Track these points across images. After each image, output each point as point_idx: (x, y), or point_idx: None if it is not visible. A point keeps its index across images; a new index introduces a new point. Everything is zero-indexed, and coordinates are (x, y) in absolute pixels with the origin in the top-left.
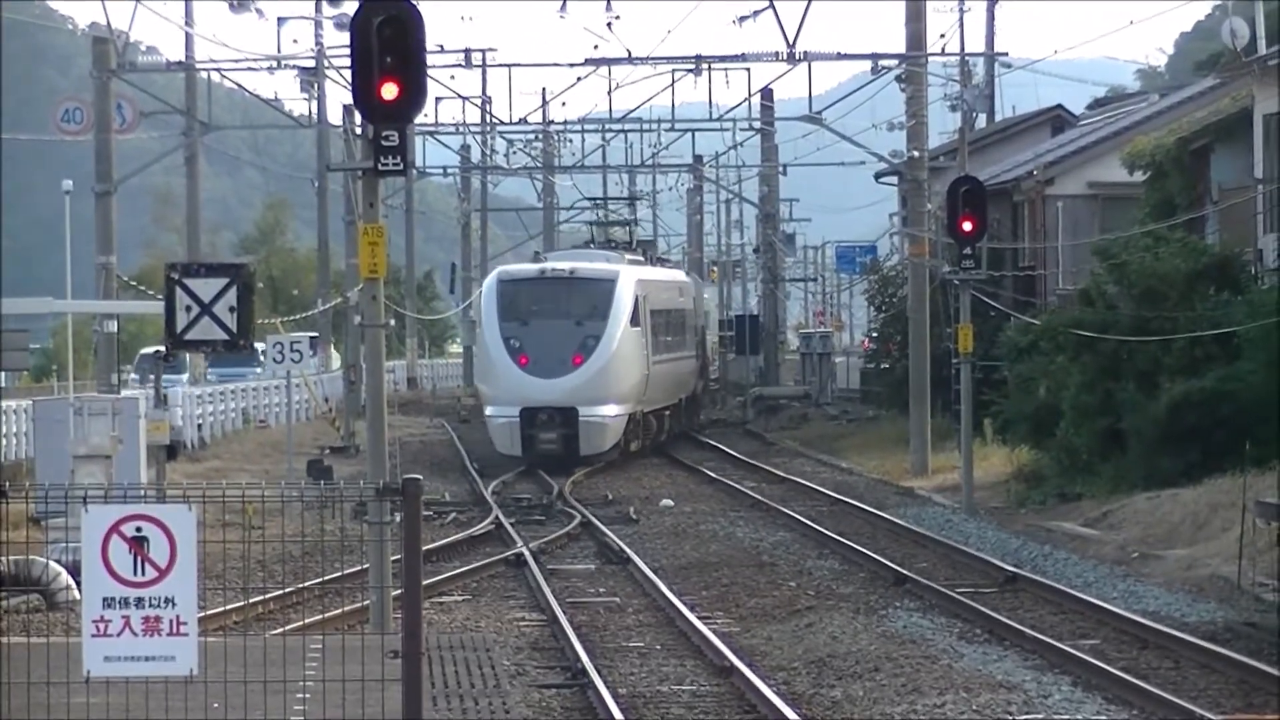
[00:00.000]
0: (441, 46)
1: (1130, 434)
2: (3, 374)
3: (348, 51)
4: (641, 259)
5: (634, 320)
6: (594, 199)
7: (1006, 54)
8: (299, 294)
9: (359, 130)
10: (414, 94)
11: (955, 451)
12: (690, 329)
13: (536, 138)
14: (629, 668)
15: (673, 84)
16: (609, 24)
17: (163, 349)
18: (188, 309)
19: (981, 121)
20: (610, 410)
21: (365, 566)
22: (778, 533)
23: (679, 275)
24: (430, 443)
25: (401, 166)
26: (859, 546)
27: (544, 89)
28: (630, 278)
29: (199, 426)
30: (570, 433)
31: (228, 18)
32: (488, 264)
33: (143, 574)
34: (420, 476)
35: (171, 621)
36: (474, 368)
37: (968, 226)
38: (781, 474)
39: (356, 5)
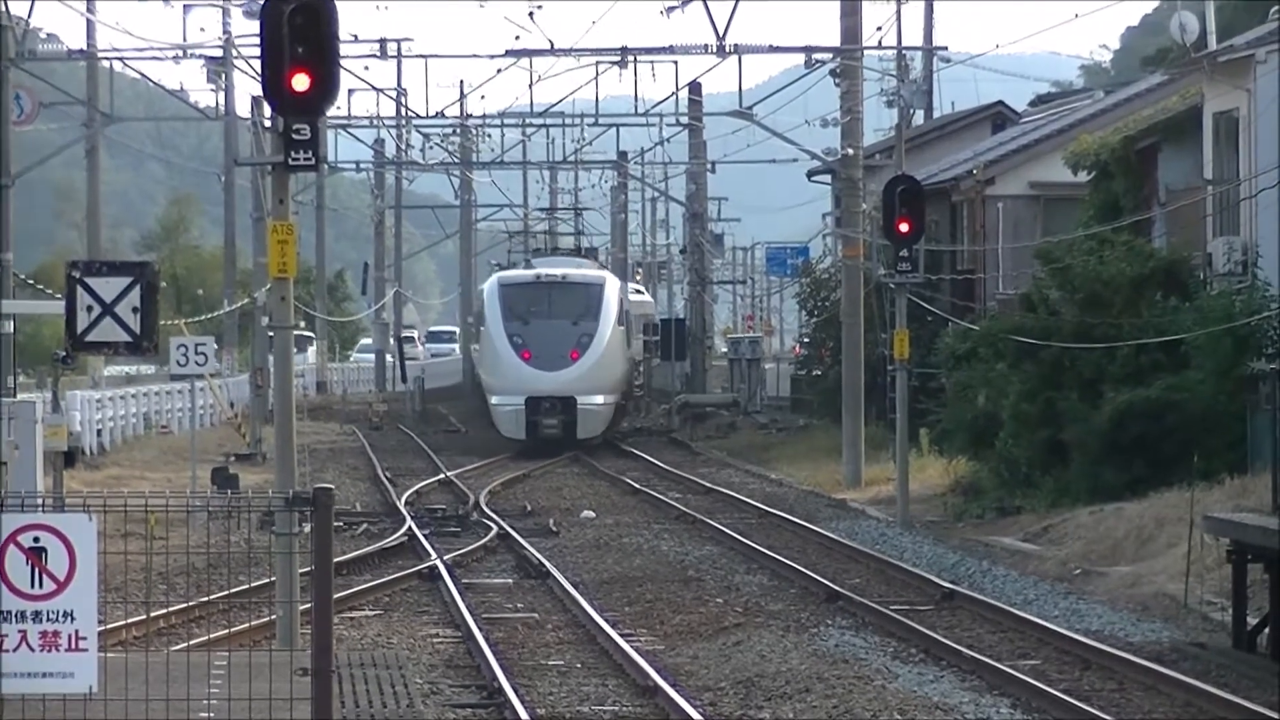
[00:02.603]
0: (355, 36)
1: (1073, 445)
2: None
3: (257, 40)
4: (598, 265)
5: (620, 320)
6: (544, 209)
7: (945, 48)
8: (204, 294)
9: (268, 123)
10: (326, 85)
11: (890, 462)
12: (643, 331)
13: (454, 132)
14: (548, 687)
15: (597, 77)
16: (530, 14)
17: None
18: (89, 309)
19: (919, 118)
20: (603, 399)
21: (272, 579)
22: (704, 546)
23: (635, 284)
24: (340, 450)
25: (313, 161)
26: (789, 561)
27: (462, 81)
28: (615, 283)
29: (98, 432)
30: (570, 419)
31: (131, 4)
32: (401, 263)
33: (40, 586)
34: (331, 486)
35: (70, 636)
36: (478, 361)
37: (904, 228)
38: (708, 485)
39: None
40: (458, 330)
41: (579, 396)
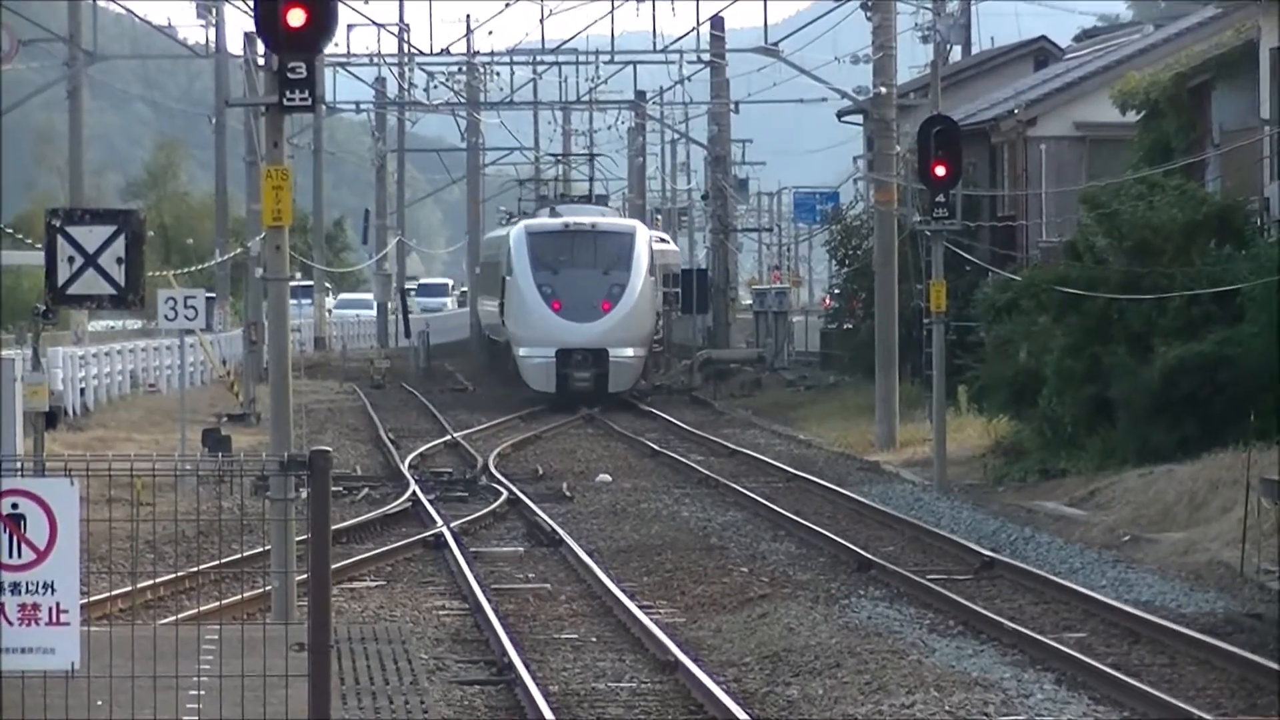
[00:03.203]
0: None
1: (1120, 403)
2: None
3: None
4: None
5: (650, 270)
6: (553, 155)
7: None
8: (194, 244)
9: (262, 61)
10: (323, 21)
11: (926, 422)
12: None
13: (460, 70)
14: (561, 663)
15: (613, 11)
16: None
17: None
18: (70, 260)
19: (956, 54)
20: (634, 351)
21: (267, 548)
22: (728, 512)
23: (660, 233)
24: (340, 410)
25: (309, 101)
26: (818, 528)
27: (469, 16)
28: (645, 232)
29: (81, 391)
30: (601, 371)
31: None
32: (404, 211)
33: (19, 556)
34: (329, 448)
35: (51, 609)
36: (504, 312)
37: (941, 171)
38: (732, 446)
39: None
40: (450, 283)
41: (611, 349)
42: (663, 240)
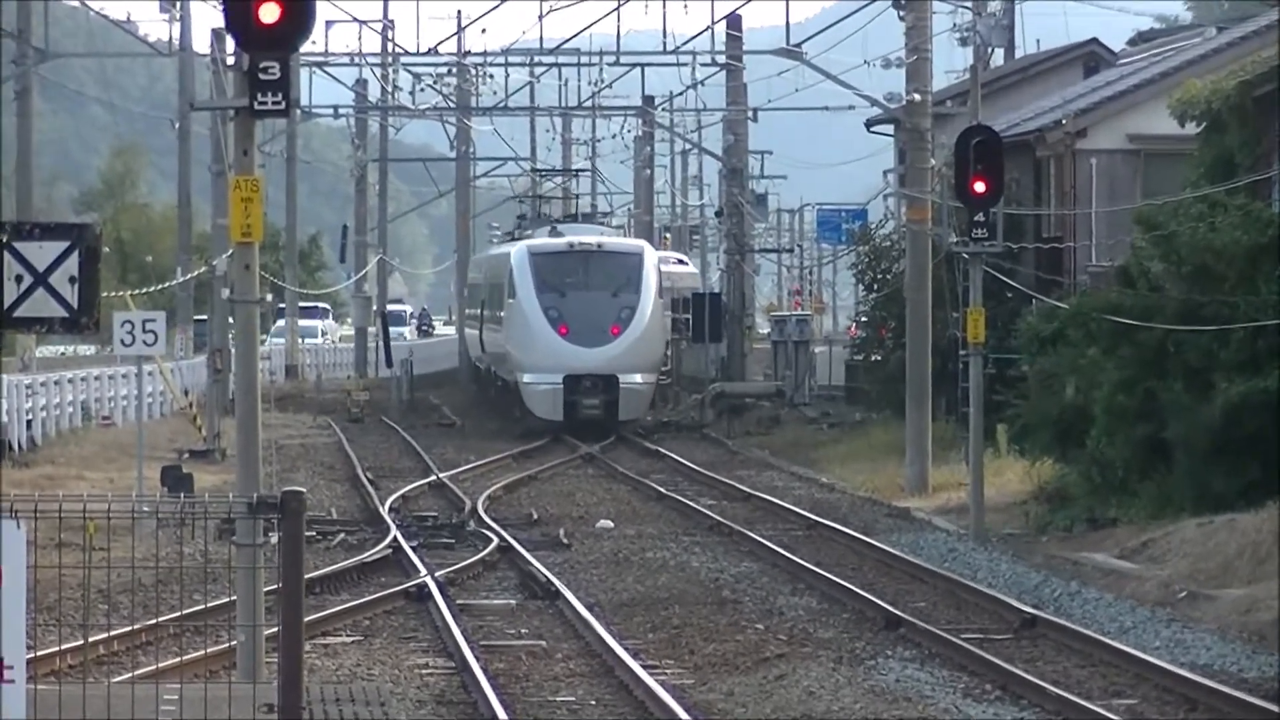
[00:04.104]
0: None
1: (1177, 445)
2: None
3: None
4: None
5: (660, 293)
6: (539, 170)
7: None
8: (153, 261)
9: (231, 60)
10: (299, 16)
11: (961, 464)
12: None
13: (449, 72)
14: None
15: (618, 8)
16: None
17: None
18: (18, 279)
19: (998, 58)
20: (645, 377)
21: (233, 599)
22: (742, 563)
23: (675, 253)
24: (314, 446)
25: (283, 105)
26: (842, 580)
27: (459, 12)
28: (653, 253)
29: (28, 423)
30: (611, 399)
31: None
32: (386, 226)
33: None
34: (302, 489)
35: None
36: (507, 336)
37: (980, 187)
38: (747, 489)
39: None
40: (408, 310)
41: (621, 375)
42: (681, 262)
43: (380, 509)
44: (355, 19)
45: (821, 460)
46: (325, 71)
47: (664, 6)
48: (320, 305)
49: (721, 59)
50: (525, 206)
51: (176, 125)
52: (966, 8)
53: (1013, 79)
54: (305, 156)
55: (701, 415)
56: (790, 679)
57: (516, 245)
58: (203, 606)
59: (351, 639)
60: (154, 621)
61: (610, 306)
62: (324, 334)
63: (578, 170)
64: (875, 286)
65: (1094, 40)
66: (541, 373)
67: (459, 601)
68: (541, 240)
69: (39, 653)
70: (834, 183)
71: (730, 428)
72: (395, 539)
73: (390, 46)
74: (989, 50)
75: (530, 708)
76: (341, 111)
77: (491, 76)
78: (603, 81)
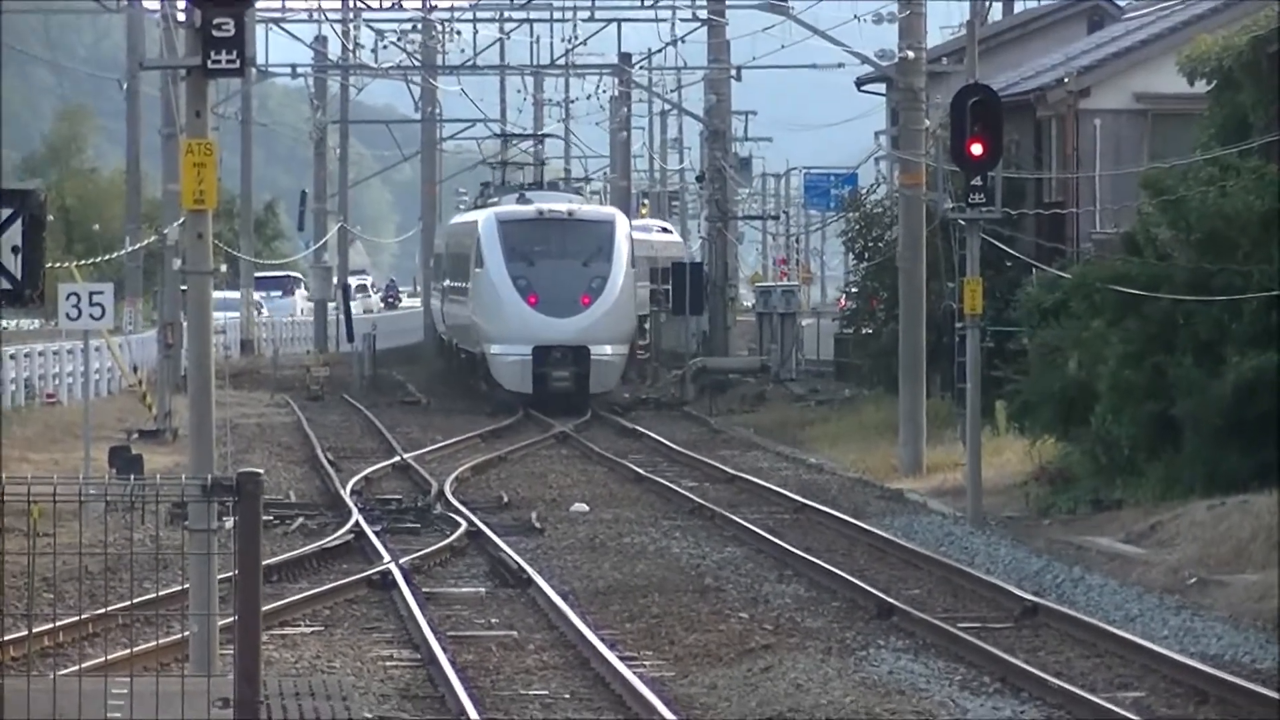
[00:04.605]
0: None
1: (1186, 423)
2: None
3: None
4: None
5: (632, 262)
6: (501, 135)
7: None
8: (101, 230)
9: (182, 16)
10: None
11: (958, 443)
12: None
13: (414, 28)
14: None
15: None
16: None
17: None
18: None
19: (997, 12)
20: (616, 349)
21: (185, 587)
22: (725, 548)
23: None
24: (271, 426)
25: (238, 64)
26: (831, 567)
27: None
28: (624, 221)
29: None
30: (582, 371)
31: None
32: (347, 192)
33: None
34: (259, 470)
35: None
36: (474, 306)
37: (977, 150)
38: (730, 470)
39: None
40: (368, 281)
41: (592, 346)
42: (665, 230)
43: (341, 492)
44: None
45: (809, 440)
46: (282, 28)
47: None
48: (291, 274)
49: (703, 14)
50: (496, 172)
51: (125, 86)
52: None
53: (1012, 35)
54: (261, 119)
55: (682, 392)
56: (777, 671)
57: (484, 213)
58: (154, 595)
59: (311, 629)
60: (102, 611)
61: (581, 276)
62: (300, 310)
63: (547, 134)
64: (866, 255)
65: None
66: (510, 344)
67: (425, 590)
68: (510, 208)
69: None
70: (822, 145)
71: (713, 405)
72: (357, 523)
73: (351, 1)
74: (987, 4)
75: (501, 702)
76: (300, 71)
77: (459, 33)
78: (577, 38)
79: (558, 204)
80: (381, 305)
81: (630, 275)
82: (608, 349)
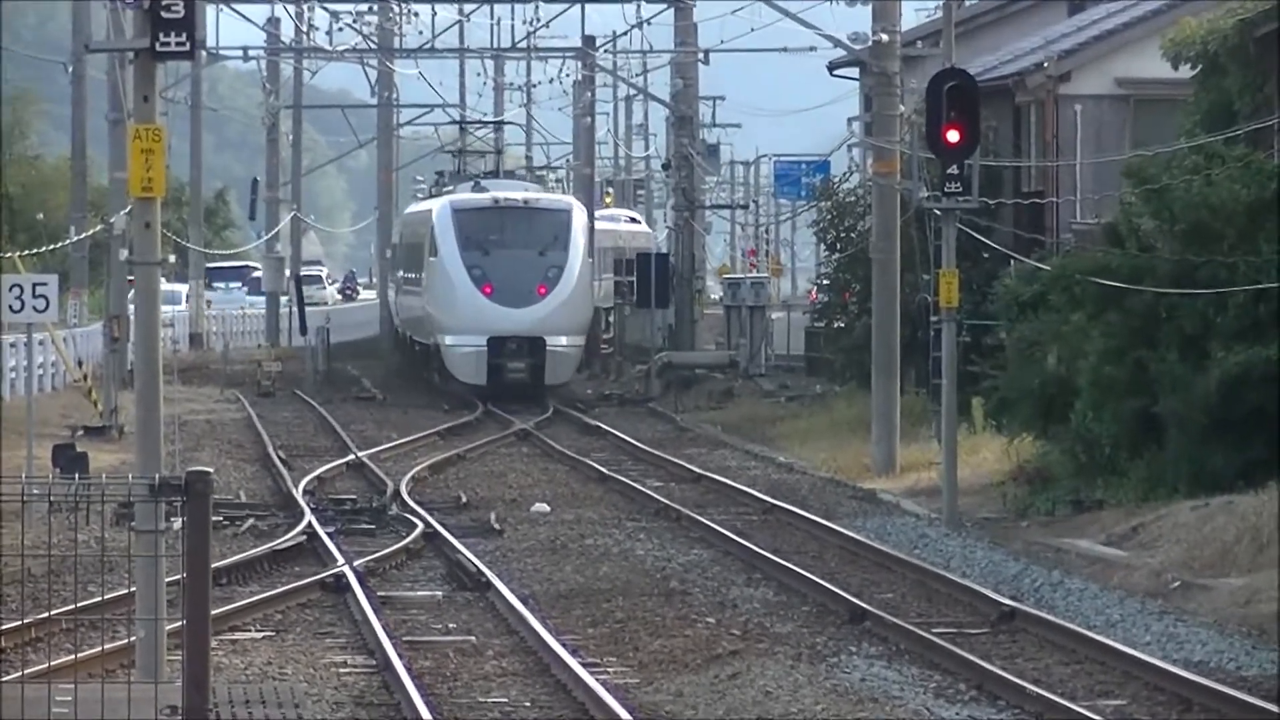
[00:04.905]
0: None
1: (1170, 420)
2: None
3: None
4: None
5: (589, 252)
6: (460, 121)
7: None
8: (45, 219)
9: None
10: None
11: (933, 442)
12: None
13: (370, 10)
14: None
15: None
16: None
17: None
18: None
19: None
20: (573, 340)
21: (132, 590)
22: (691, 550)
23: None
24: (221, 423)
25: (188, 46)
26: (801, 570)
27: None
28: (581, 210)
29: None
30: (537, 362)
31: None
32: (300, 180)
33: None
34: (208, 469)
35: None
36: (428, 296)
37: (954, 137)
38: (697, 470)
39: None
40: (324, 272)
41: (548, 337)
42: (633, 220)
43: (294, 491)
44: None
45: (779, 437)
46: (233, 9)
47: None
48: (250, 264)
49: None
50: (456, 160)
51: (70, 69)
52: None
53: (990, 17)
54: (211, 103)
55: (647, 388)
56: (745, 678)
57: (438, 201)
58: (99, 599)
59: (262, 634)
60: (45, 615)
61: (537, 265)
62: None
63: (506, 121)
64: (838, 246)
65: None
66: (464, 334)
67: (380, 593)
68: (465, 196)
69: None
70: (793, 132)
71: (679, 402)
72: (310, 524)
73: None
74: None
75: (459, 710)
76: (251, 53)
77: (416, 15)
78: (538, 20)
79: (514, 192)
80: (339, 297)
81: (588, 265)
82: (564, 340)
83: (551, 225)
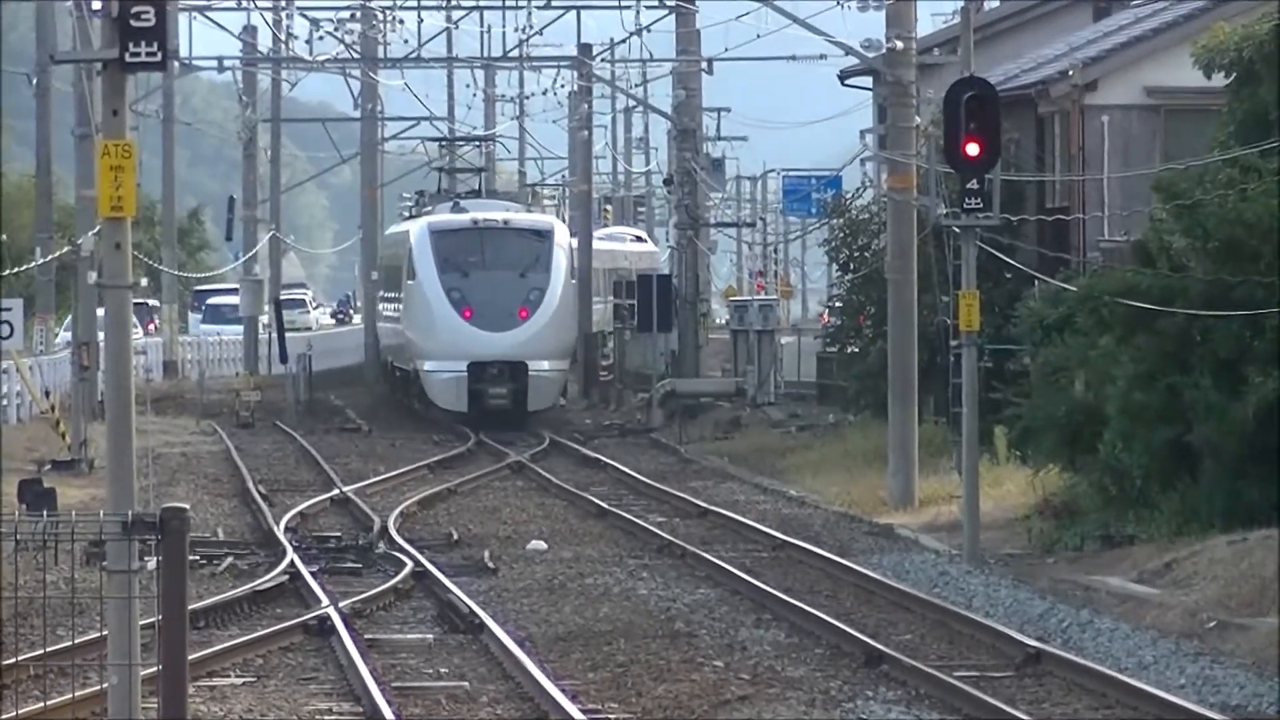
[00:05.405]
0: None
1: (1205, 450)
2: None
3: None
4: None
5: (571, 274)
6: (439, 139)
7: None
8: (9, 240)
9: (98, 5)
10: None
11: (953, 473)
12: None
13: (353, 17)
14: None
15: None
16: None
17: None
18: None
19: None
20: (556, 364)
21: (104, 634)
22: (697, 589)
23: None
24: (197, 456)
25: (159, 57)
26: (814, 610)
27: None
28: (564, 230)
29: None
30: (519, 387)
31: None
32: (279, 198)
33: None
34: (185, 505)
35: None
36: (406, 321)
37: (973, 150)
38: (703, 504)
39: None
40: (307, 295)
41: (530, 361)
42: (639, 239)
43: (275, 529)
44: None
45: (789, 470)
46: (207, 17)
47: None
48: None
49: (671, 1)
50: (445, 178)
51: (34, 81)
52: None
53: (1011, 23)
54: (185, 117)
55: (649, 418)
56: None
57: (417, 223)
58: (69, 643)
59: (243, 680)
60: (12, 661)
61: (518, 288)
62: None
63: (494, 136)
64: (851, 266)
65: None
66: (444, 359)
67: (367, 636)
68: (443, 217)
69: None
70: (802, 145)
71: (683, 432)
72: (292, 563)
73: None
74: None
75: None
76: (227, 64)
77: (402, 22)
78: (531, 27)
79: (493, 212)
80: (332, 321)
81: (571, 287)
82: (545, 364)
83: (532, 246)
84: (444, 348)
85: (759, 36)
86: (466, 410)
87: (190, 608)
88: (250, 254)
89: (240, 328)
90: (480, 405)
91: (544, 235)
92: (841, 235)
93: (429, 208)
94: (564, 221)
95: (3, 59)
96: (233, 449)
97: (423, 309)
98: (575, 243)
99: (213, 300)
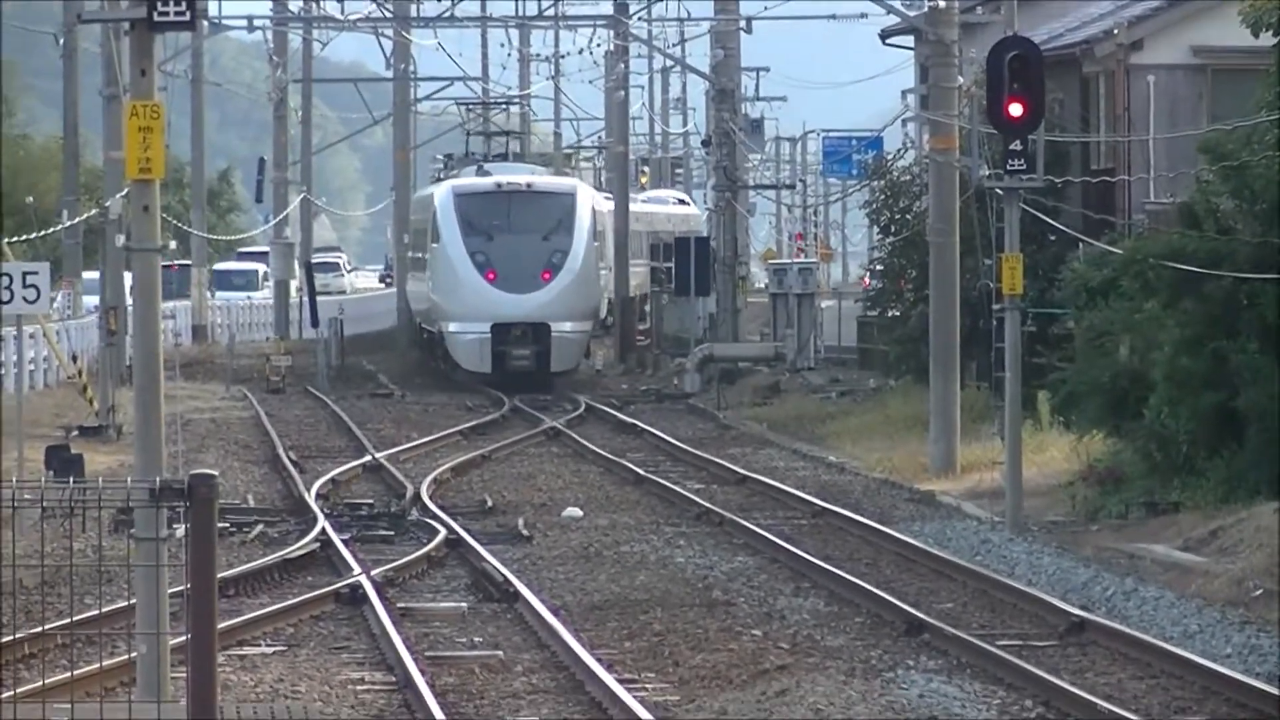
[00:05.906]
0: None
1: (1252, 416)
2: None
3: None
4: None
5: (594, 235)
6: (467, 101)
7: None
8: (35, 202)
9: None
10: None
11: (996, 439)
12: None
13: None
14: None
15: None
16: None
17: None
18: None
19: None
20: (579, 326)
21: (132, 603)
22: (735, 557)
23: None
24: (226, 422)
25: (188, 16)
26: (854, 578)
27: None
28: (587, 192)
29: None
30: (543, 349)
31: None
32: (311, 160)
33: None
34: (213, 472)
35: None
36: (432, 283)
37: (1017, 110)
38: (741, 471)
39: None
40: (341, 259)
41: (553, 323)
42: (682, 202)
43: (306, 495)
44: None
45: (829, 436)
46: None
47: None
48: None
49: None
50: (478, 140)
51: (61, 41)
52: None
53: None
54: (214, 77)
55: (686, 383)
56: (793, 695)
57: (441, 186)
58: (97, 612)
59: (273, 649)
60: (39, 630)
61: (541, 250)
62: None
63: (525, 96)
64: (892, 229)
65: None
66: (468, 321)
67: (400, 605)
68: (467, 180)
69: None
70: (843, 106)
71: (721, 398)
72: (324, 531)
73: None
74: None
75: None
76: (257, 23)
77: None
78: None
79: (517, 175)
80: (381, 286)
81: (593, 249)
82: (569, 326)
83: (556, 208)
84: (468, 310)
85: None
86: (490, 371)
87: (220, 576)
88: (281, 216)
89: (244, 294)
90: (504, 367)
91: (567, 197)
92: (882, 197)
93: (455, 171)
94: (601, 184)
95: (30, 19)
96: (263, 415)
97: (447, 271)
98: (609, 205)
99: (219, 266)
